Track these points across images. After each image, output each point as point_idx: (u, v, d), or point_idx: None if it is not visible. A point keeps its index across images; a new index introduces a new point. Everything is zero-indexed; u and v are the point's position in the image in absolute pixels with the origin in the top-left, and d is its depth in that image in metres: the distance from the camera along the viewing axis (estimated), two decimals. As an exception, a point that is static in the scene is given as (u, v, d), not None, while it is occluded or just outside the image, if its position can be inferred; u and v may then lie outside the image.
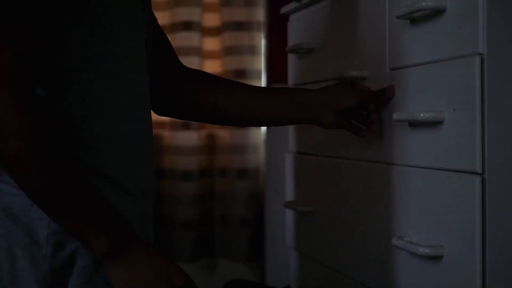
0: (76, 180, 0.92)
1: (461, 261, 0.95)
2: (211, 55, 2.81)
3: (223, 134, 2.75)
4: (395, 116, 1.08)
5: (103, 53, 0.97)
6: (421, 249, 1.00)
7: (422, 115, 1.00)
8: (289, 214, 1.60)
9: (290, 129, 1.63)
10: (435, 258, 1.00)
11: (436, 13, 1.00)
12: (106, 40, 0.97)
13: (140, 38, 1.05)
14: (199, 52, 2.75)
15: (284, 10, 1.63)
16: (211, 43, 2.81)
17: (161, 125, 2.73)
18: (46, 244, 0.93)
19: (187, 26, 2.73)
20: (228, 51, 2.77)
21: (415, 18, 1.06)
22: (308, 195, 1.50)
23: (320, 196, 1.43)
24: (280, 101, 1.20)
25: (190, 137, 2.71)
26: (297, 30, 1.59)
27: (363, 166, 1.24)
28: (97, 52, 0.96)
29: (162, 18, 2.78)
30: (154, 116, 1.15)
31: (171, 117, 1.26)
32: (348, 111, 1.19)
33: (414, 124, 1.06)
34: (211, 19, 2.81)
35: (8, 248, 0.94)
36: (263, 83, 2.80)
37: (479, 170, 0.92)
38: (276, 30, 2.60)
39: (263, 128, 2.84)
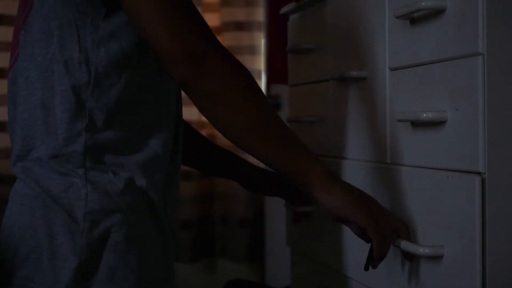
0: (279, 116, 1.02)
1: (461, 261, 0.94)
2: (211, 55, 2.81)
3: (223, 134, 2.75)
4: (398, 116, 1.08)
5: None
6: (421, 249, 0.99)
7: (424, 115, 1.00)
8: (289, 214, 1.60)
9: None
10: (436, 258, 0.99)
11: (436, 13, 1.00)
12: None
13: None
14: (199, 52, 2.75)
15: (284, 10, 1.63)
16: (211, 43, 2.81)
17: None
18: (83, 221, 1.00)
19: (187, 26, 2.73)
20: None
21: (415, 18, 1.06)
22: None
23: None
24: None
25: (190, 137, 2.71)
26: (297, 30, 1.59)
27: (362, 166, 1.24)
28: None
29: (162, 18, 2.78)
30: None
31: None
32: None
33: (416, 124, 1.06)
34: (211, 19, 2.81)
35: (46, 226, 1.01)
36: (263, 83, 2.80)
37: (482, 170, 0.92)
38: (276, 30, 2.60)
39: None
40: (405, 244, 1.03)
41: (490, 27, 0.91)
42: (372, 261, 1.04)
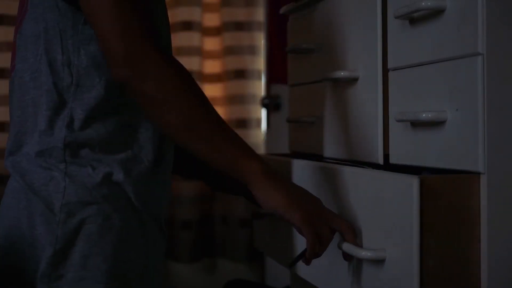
0: (219, 115, 1.04)
1: (400, 265, 0.93)
2: (211, 55, 2.82)
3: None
4: (398, 116, 1.08)
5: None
6: (363, 253, 0.98)
7: (424, 115, 1.00)
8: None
9: (290, 129, 1.63)
10: (378, 262, 0.98)
11: (436, 13, 1.00)
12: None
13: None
14: (199, 52, 2.75)
15: (283, 10, 1.63)
16: (211, 43, 2.81)
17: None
18: (60, 212, 1.05)
19: (187, 26, 2.73)
20: (228, 51, 2.77)
21: (415, 18, 1.06)
22: None
23: None
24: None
25: (190, 137, 2.71)
26: (297, 30, 1.59)
27: (309, 166, 1.23)
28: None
29: (162, 18, 2.78)
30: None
31: None
32: None
33: (416, 124, 1.06)
34: (211, 19, 2.81)
35: (28, 217, 1.07)
36: (263, 83, 2.80)
37: (482, 170, 0.92)
38: (276, 30, 2.60)
39: (263, 128, 2.84)
40: (347, 247, 1.02)
41: (490, 27, 0.91)
42: (304, 259, 1.04)
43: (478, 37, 0.91)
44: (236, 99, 2.79)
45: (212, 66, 2.81)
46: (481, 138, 0.92)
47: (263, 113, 2.83)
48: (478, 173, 0.93)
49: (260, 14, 2.78)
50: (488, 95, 0.91)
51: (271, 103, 2.69)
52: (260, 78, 2.80)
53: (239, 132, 2.82)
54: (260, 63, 2.80)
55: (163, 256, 1.20)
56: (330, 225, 1.03)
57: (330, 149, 1.37)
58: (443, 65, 1.00)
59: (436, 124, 1.01)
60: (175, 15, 2.75)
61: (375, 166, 1.20)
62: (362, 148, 1.23)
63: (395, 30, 1.12)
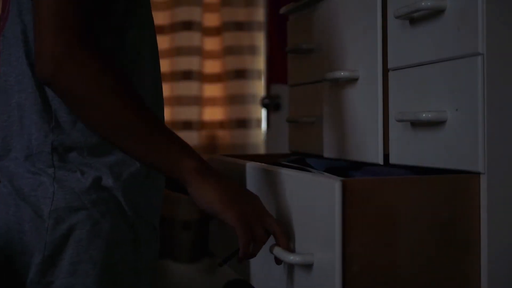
0: (152, 114, 1.00)
1: (326, 269, 0.91)
2: (211, 55, 2.82)
3: (224, 134, 2.75)
4: (398, 116, 1.08)
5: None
6: (291, 257, 0.95)
7: (424, 115, 1.00)
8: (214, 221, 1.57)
9: (290, 129, 1.63)
10: (307, 266, 0.96)
11: (436, 13, 1.00)
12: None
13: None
14: (199, 52, 2.75)
15: (283, 10, 1.63)
16: (212, 43, 2.81)
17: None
18: (48, 218, 1.04)
19: (188, 26, 2.73)
20: (228, 51, 2.77)
21: (415, 18, 1.06)
22: None
23: None
24: None
25: (191, 137, 2.71)
26: (297, 30, 1.59)
27: (257, 169, 1.21)
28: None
29: (162, 18, 2.78)
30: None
31: None
32: None
33: (416, 124, 1.06)
34: (211, 19, 2.81)
35: (17, 223, 1.06)
36: (263, 83, 2.80)
37: (481, 170, 0.92)
38: (276, 30, 2.60)
39: (263, 128, 2.84)
40: (277, 251, 0.99)
41: (490, 27, 0.91)
42: (237, 258, 1.01)
43: (478, 37, 0.91)
44: (236, 99, 2.79)
45: (212, 66, 2.81)
46: (481, 138, 0.92)
47: (263, 113, 2.83)
48: (478, 173, 0.93)
49: (260, 14, 2.78)
50: (488, 95, 0.91)
51: (271, 103, 2.69)
52: (260, 78, 2.80)
53: (239, 132, 2.83)
54: (260, 63, 2.80)
55: (156, 256, 1.18)
56: (265, 226, 1.00)
57: (330, 149, 1.37)
58: (443, 65, 1.00)
59: (436, 124, 1.01)
60: (175, 15, 2.75)
61: (376, 166, 1.20)
62: (362, 148, 1.23)
63: (395, 30, 1.12)
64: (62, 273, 1.04)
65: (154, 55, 1.16)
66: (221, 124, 2.80)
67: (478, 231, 0.93)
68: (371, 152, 1.20)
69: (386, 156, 1.17)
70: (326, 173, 1.10)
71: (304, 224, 0.98)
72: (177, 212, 2.74)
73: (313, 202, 0.95)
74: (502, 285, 0.92)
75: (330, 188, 0.88)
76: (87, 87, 0.95)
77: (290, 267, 1.02)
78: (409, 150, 1.09)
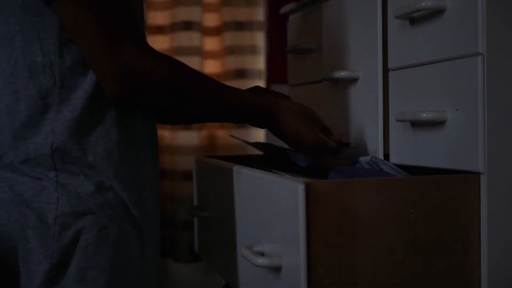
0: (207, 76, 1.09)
1: (292, 272, 0.90)
2: (212, 55, 2.81)
3: (223, 134, 2.75)
4: (398, 116, 1.08)
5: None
6: (259, 260, 0.94)
7: (424, 115, 1.00)
8: (196, 220, 1.56)
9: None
10: (276, 269, 0.95)
11: (436, 13, 1.00)
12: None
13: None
14: (199, 52, 2.75)
15: (283, 10, 1.63)
16: (212, 43, 2.81)
17: (162, 125, 2.73)
18: (54, 224, 1.01)
19: (188, 26, 2.73)
20: (229, 51, 2.77)
21: (415, 18, 1.06)
22: (207, 200, 1.45)
23: (216, 201, 1.36)
24: None
25: (190, 137, 2.70)
26: (297, 30, 1.59)
27: (228, 170, 1.20)
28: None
29: (162, 18, 2.78)
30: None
31: None
32: None
33: (416, 124, 1.06)
34: (212, 19, 2.81)
35: (20, 230, 1.02)
36: (263, 83, 2.80)
37: (482, 170, 0.92)
38: (276, 30, 2.60)
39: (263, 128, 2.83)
40: (245, 253, 0.98)
41: (490, 27, 0.91)
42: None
43: (478, 37, 0.91)
44: (236, 99, 2.79)
45: (212, 66, 2.81)
46: (481, 138, 0.92)
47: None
48: (478, 173, 0.93)
49: (260, 14, 2.77)
50: (488, 95, 0.91)
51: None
52: (260, 78, 2.80)
53: (239, 131, 2.83)
54: (260, 63, 2.79)
55: (159, 257, 1.16)
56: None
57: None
58: (443, 65, 1.00)
59: (436, 124, 1.01)
60: (175, 15, 2.74)
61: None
62: (362, 148, 1.23)
63: (395, 30, 1.12)
64: (70, 280, 1.01)
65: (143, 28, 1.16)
66: (221, 124, 2.79)
67: (478, 231, 0.93)
68: (371, 152, 1.20)
69: (386, 156, 1.17)
70: (289, 174, 1.09)
71: (272, 226, 0.97)
72: (177, 212, 2.74)
73: (279, 204, 0.93)
74: (502, 285, 0.92)
75: (294, 190, 0.87)
76: (169, 85, 1.02)
77: (262, 270, 1.00)
78: (409, 150, 1.09)
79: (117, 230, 1.04)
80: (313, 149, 1.15)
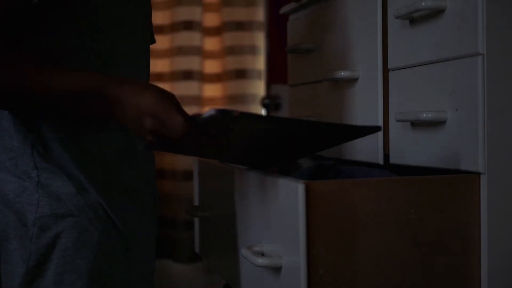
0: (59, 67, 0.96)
1: (292, 273, 0.89)
2: (212, 55, 2.82)
3: (223, 134, 2.76)
4: (398, 116, 1.08)
5: (91, 51, 1.01)
6: (259, 260, 0.93)
7: (424, 115, 1.00)
8: (196, 220, 1.55)
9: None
10: (276, 269, 0.94)
11: (436, 13, 1.00)
12: (95, 39, 1.01)
13: (139, 37, 1.08)
14: (199, 52, 2.75)
15: (283, 10, 1.63)
16: (212, 43, 2.81)
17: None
18: (33, 226, 1.00)
19: (188, 25, 2.73)
20: (229, 51, 2.77)
21: (415, 18, 1.06)
22: (208, 200, 1.44)
23: (217, 201, 1.35)
24: None
25: (190, 137, 2.71)
26: (297, 30, 1.59)
27: (224, 171, 1.20)
28: (85, 49, 1.00)
29: (162, 18, 2.78)
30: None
31: None
32: None
33: (416, 124, 1.06)
34: (212, 19, 2.81)
35: (3, 230, 1.02)
36: (263, 83, 2.80)
37: (482, 170, 0.92)
38: (276, 30, 2.60)
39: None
40: (246, 254, 0.97)
41: (490, 27, 0.91)
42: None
43: (478, 37, 0.91)
44: (236, 99, 2.79)
45: (212, 66, 2.81)
46: (481, 138, 0.92)
47: (263, 113, 2.83)
48: (478, 173, 0.93)
49: (260, 14, 2.78)
50: (488, 95, 0.91)
51: (271, 103, 2.69)
52: (260, 78, 2.80)
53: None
54: (260, 63, 2.80)
55: (154, 255, 1.13)
56: None
57: (330, 149, 1.37)
58: (443, 65, 1.00)
59: (436, 124, 1.01)
60: (175, 15, 2.75)
61: (376, 166, 1.20)
62: (362, 148, 1.23)
63: (395, 30, 1.12)
64: (47, 283, 1.00)
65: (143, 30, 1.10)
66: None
67: (478, 231, 0.93)
68: (371, 152, 1.20)
69: (386, 156, 1.17)
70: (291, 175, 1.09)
71: (272, 226, 0.97)
72: (177, 212, 2.74)
73: (279, 205, 0.93)
74: (502, 285, 0.92)
75: (294, 190, 0.87)
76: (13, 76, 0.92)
77: (262, 270, 1.00)
78: (409, 150, 1.09)
79: (99, 233, 1.02)
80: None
